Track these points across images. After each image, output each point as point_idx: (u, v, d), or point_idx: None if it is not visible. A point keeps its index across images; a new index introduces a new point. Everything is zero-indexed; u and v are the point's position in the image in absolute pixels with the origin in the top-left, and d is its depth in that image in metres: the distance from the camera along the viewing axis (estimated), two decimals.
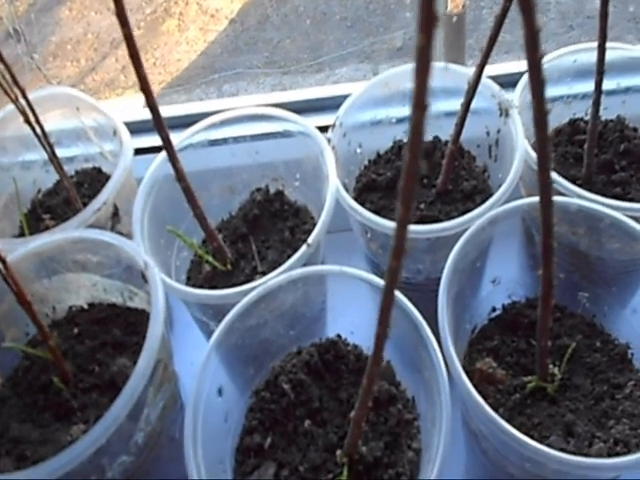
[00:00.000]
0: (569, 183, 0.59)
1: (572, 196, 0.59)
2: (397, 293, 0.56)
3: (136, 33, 4.07)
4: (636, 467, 0.46)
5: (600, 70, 0.60)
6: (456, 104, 0.65)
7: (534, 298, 0.65)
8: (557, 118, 0.73)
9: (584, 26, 3.52)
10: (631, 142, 0.69)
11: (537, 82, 0.35)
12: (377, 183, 0.71)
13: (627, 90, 0.71)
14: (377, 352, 0.38)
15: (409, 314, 0.54)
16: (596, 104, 0.62)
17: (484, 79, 0.68)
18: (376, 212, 0.70)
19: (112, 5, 0.49)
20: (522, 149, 0.61)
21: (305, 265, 0.60)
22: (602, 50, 0.59)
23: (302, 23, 3.79)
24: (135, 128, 0.76)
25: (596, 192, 0.67)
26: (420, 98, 0.23)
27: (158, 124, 0.58)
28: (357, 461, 0.52)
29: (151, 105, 0.57)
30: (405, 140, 0.76)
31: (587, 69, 0.65)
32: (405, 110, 0.74)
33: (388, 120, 0.74)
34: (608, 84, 0.71)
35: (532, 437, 0.56)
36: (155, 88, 3.54)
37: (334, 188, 0.62)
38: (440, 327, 0.52)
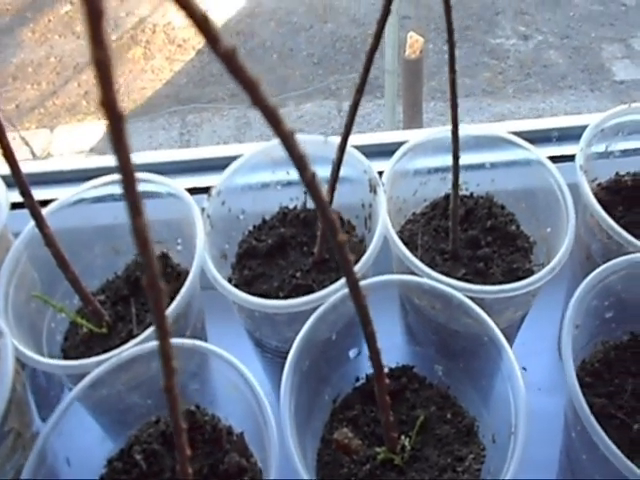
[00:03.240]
0: (422, 264, 0.62)
1: (423, 276, 0.61)
2: (243, 368, 0.58)
3: None
4: None
5: (455, 155, 0.63)
6: None
7: (396, 368, 0.67)
8: (435, 192, 0.77)
9: (540, 74, 3.64)
10: (497, 219, 0.73)
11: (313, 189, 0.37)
12: (257, 250, 0.73)
13: (495, 168, 0.74)
14: (175, 422, 0.39)
15: (255, 393, 0.55)
16: (455, 186, 0.65)
17: (357, 154, 0.71)
18: (254, 278, 0.72)
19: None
20: (382, 227, 0.64)
21: (171, 332, 0.61)
22: (456, 137, 0.62)
23: (269, 58, 3.84)
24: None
25: (461, 266, 0.70)
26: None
27: (22, 188, 0.60)
28: None
29: (15, 172, 0.59)
30: (291, 206, 0.78)
31: (461, 146, 0.68)
32: (289, 176, 0.76)
33: (273, 186, 0.77)
34: (478, 160, 0.75)
35: None
36: None
37: (200, 258, 0.64)
38: (282, 409, 0.54)
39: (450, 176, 0.74)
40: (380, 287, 0.61)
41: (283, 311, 0.60)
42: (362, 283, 0.62)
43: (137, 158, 0.78)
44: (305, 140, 0.76)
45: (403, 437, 0.61)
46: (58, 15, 4.00)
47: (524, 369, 0.59)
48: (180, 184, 0.72)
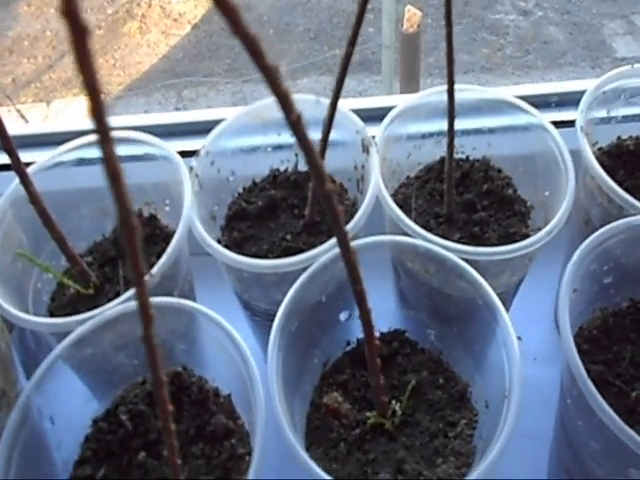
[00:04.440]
0: (415, 225, 0.60)
1: (416, 237, 0.60)
2: (230, 328, 0.56)
3: (97, 33, 4.04)
4: None
5: (451, 115, 0.61)
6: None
7: (388, 332, 0.66)
8: (429, 155, 0.75)
9: (540, 51, 3.60)
10: (494, 183, 0.71)
11: (304, 141, 0.36)
12: (247, 212, 0.72)
13: (492, 132, 0.72)
14: (156, 376, 0.38)
15: (242, 354, 0.54)
16: (450, 147, 0.63)
17: (350, 114, 0.69)
18: (243, 240, 0.71)
19: None
20: (374, 186, 0.62)
21: (159, 293, 0.60)
22: (451, 95, 0.60)
23: (265, 32, 3.79)
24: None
25: (456, 230, 0.69)
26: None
27: (7, 146, 0.58)
28: None
29: None
30: (282, 169, 0.76)
31: (458, 109, 0.66)
32: (280, 139, 0.74)
33: (264, 148, 0.75)
34: (474, 124, 0.73)
35: (365, 473, 0.57)
36: (113, 90, 3.51)
37: (187, 217, 0.62)
38: (269, 369, 0.53)
39: (445, 140, 0.72)
40: (372, 248, 0.60)
41: (271, 271, 0.59)
42: (353, 243, 0.61)
43: (122, 121, 0.76)
44: (296, 100, 0.74)
45: (394, 402, 0.60)
46: None
47: (519, 338, 0.58)
48: (169, 147, 0.70)
